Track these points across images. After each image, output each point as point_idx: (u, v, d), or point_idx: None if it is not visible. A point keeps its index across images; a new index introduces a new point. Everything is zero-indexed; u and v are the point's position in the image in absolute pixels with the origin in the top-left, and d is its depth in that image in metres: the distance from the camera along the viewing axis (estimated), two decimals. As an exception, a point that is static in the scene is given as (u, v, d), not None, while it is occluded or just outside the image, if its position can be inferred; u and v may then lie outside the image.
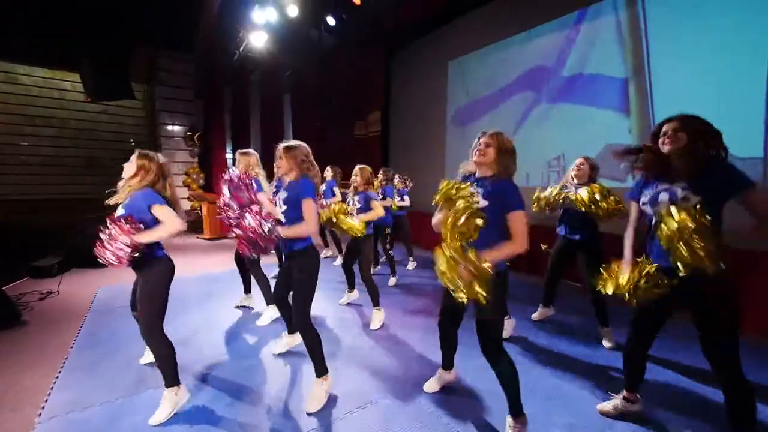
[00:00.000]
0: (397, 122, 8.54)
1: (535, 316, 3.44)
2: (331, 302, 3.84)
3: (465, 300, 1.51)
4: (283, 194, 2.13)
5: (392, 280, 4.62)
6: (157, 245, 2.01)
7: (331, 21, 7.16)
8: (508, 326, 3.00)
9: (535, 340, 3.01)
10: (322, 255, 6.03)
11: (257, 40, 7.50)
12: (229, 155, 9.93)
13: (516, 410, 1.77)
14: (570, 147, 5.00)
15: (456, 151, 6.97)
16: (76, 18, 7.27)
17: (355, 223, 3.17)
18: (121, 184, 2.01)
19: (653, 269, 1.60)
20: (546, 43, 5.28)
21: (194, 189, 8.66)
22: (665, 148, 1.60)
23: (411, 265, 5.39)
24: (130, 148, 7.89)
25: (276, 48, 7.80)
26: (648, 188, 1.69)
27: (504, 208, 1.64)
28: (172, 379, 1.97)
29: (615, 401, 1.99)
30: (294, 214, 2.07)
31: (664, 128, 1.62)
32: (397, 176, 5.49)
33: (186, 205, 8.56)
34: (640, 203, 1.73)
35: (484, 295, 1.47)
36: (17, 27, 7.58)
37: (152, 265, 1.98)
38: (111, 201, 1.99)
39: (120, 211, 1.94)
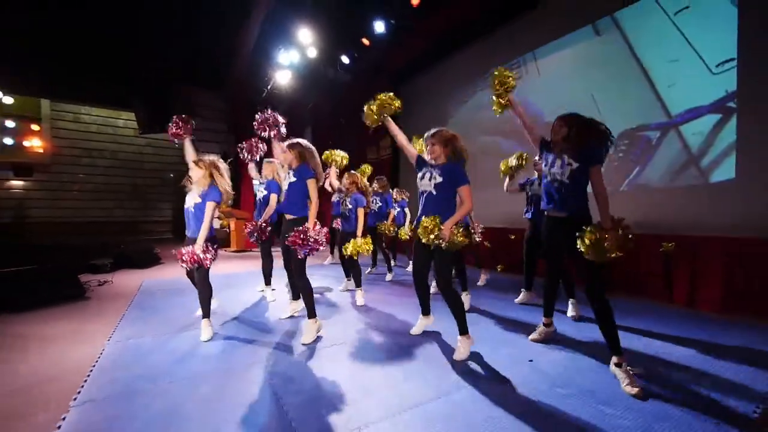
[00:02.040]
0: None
1: (517, 300, 3.85)
2: (335, 289, 4.42)
3: (431, 244, 2.20)
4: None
5: (388, 276, 5.14)
6: None
7: (345, 59, 8.26)
8: (466, 300, 3.48)
9: (507, 315, 3.43)
10: (327, 262, 6.65)
11: (282, 78, 8.70)
12: (255, 181, 10.98)
13: (463, 330, 2.33)
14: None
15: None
16: (129, 64, 8.71)
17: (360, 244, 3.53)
18: (196, 181, 2.77)
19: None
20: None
21: (223, 208, 9.62)
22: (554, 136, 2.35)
23: (410, 267, 5.88)
24: (168, 178, 9.19)
25: (298, 84, 8.95)
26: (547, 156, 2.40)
27: (455, 184, 2.31)
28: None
29: (539, 328, 2.53)
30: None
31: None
32: (395, 189, 6.13)
33: (216, 223, 9.51)
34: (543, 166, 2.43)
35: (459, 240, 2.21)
36: (82, 73, 9.11)
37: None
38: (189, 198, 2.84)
39: (197, 200, 2.69)
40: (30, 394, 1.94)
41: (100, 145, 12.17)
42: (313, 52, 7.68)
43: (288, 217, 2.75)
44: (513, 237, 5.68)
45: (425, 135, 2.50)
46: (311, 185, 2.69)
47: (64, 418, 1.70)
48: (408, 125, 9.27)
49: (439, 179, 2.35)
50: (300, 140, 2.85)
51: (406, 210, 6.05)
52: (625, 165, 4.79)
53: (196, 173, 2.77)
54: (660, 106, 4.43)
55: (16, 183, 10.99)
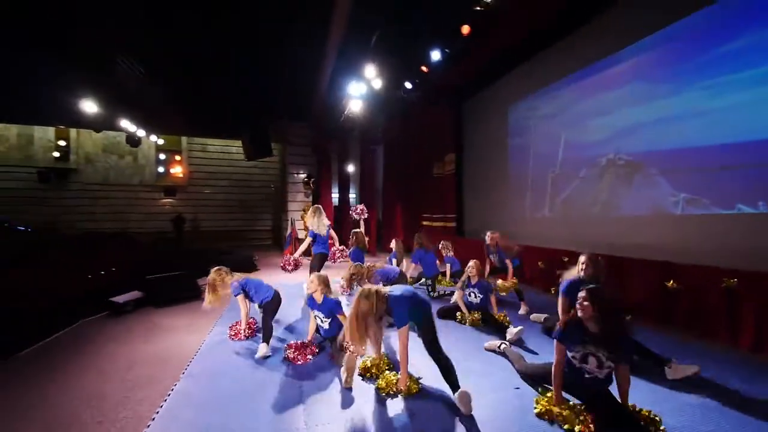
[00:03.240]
0: (467, 162, 9.58)
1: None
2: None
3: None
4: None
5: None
6: None
7: (408, 85, 8.90)
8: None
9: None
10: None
11: (355, 106, 9.77)
12: (335, 194, 12.36)
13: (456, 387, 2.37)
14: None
15: (517, 185, 7.58)
16: (238, 104, 10.78)
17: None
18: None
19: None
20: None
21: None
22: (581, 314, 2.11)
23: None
24: (271, 191, 11.17)
25: (369, 110, 9.91)
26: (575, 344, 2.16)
27: None
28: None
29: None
30: None
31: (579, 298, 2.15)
32: (441, 242, 6.37)
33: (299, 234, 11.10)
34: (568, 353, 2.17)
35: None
36: (206, 113, 11.55)
37: None
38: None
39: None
40: (158, 366, 3.03)
41: (220, 169, 15.12)
42: (378, 83, 8.50)
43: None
44: (566, 260, 5.54)
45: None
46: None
47: (175, 385, 2.69)
48: (470, 141, 9.49)
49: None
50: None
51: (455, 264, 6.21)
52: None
53: None
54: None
55: (167, 200, 14.42)
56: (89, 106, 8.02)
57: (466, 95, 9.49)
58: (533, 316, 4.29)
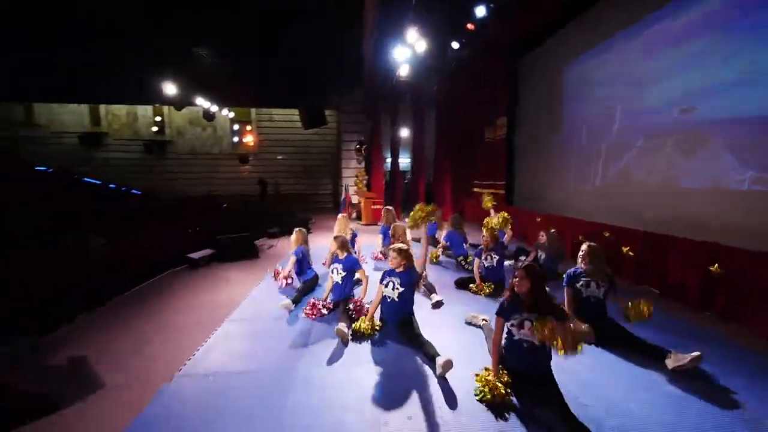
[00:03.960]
0: (519, 126, 8.99)
1: None
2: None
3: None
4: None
5: None
6: None
7: (455, 45, 8.46)
8: None
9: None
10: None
11: (404, 71, 9.63)
12: (389, 159, 12.65)
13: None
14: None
15: (568, 153, 7.03)
16: (296, 76, 11.36)
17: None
18: None
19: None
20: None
21: (360, 188, 11.78)
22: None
23: None
24: (330, 160, 12.12)
25: (419, 74, 9.71)
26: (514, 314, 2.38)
27: (412, 284, 3.09)
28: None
29: None
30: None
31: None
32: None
33: (354, 199, 11.78)
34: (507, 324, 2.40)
35: None
36: (270, 86, 12.41)
37: None
38: None
39: None
40: (215, 312, 3.86)
41: (285, 137, 16.30)
42: (422, 46, 8.24)
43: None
44: (608, 234, 5.20)
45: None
46: None
47: (217, 328, 3.46)
48: (523, 104, 8.81)
49: (401, 289, 3.16)
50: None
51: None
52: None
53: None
54: None
55: (243, 167, 16.18)
56: (170, 88, 9.24)
57: (518, 54, 8.73)
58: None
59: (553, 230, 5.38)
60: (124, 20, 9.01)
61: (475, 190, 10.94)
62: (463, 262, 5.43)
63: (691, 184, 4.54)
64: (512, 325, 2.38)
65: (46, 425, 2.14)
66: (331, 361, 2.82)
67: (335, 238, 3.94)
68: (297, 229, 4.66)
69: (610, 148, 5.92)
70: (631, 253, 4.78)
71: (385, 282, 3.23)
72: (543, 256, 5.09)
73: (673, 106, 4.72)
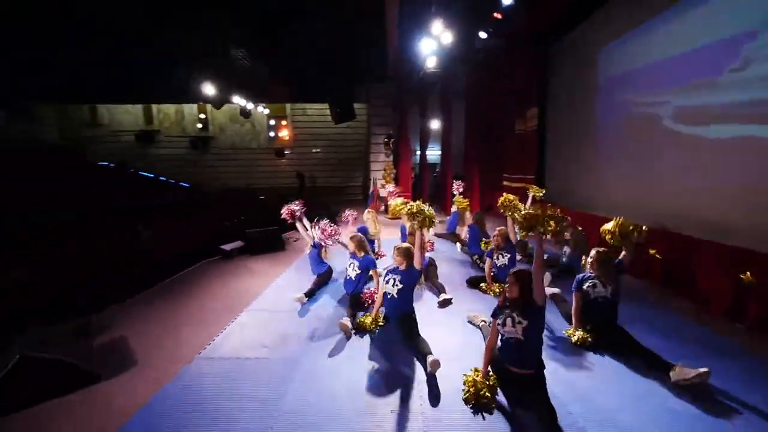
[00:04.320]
0: (551, 117, 8.60)
1: None
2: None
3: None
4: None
5: None
6: None
7: (482, 35, 8.21)
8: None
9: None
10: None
11: (430, 63, 9.53)
12: (419, 152, 12.65)
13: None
14: None
15: (604, 144, 6.66)
16: (326, 73, 11.62)
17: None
18: None
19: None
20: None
21: (387, 181, 11.92)
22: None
23: None
24: (362, 152, 12.36)
25: (447, 66, 9.56)
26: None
27: (413, 282, 3.22)
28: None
29: None
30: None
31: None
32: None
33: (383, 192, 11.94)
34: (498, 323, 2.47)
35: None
36: (303, 84, 12.80)
37: None
38: None
39: None
40: (239, 301, 4.23)
41: (319, 131, 16.74)
42: (447, 38, 8.10)
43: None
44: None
45: None
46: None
47: (237, 316, 3.81)
48: (555, 94, 8.39)
49: (400, 285, 3.26)
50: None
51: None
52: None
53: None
54: None
55: (280, 161, 16.90)
56: (209, 88, 9.88)
57: (548, 42, 8.35)
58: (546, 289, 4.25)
59: (579, 228, 5.21)
60: (168, 27, 9.75)
61: (505, 183, 10.66)
62: (478, 261, 5.41)
63: (734, 184, 4.16)
64: (499, 324, 2.44)
65: (90, 393, 2.56)
66: (332, 353, 3.04)
67: (351, 237, 4.13)
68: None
69: (644, 141, 5.53)
70: (658, 256, 4.52)
71: (386, 279, 3.37)
72: (566, 253, 4.97)
73: (722, 93, 4.30)
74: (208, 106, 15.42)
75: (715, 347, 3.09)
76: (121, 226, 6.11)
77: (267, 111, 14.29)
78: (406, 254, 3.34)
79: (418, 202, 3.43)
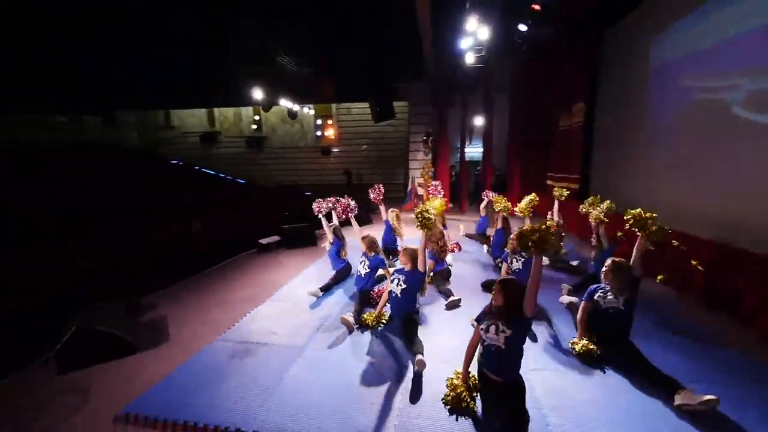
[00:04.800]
0: (600, 112, 7.97)
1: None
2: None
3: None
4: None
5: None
6: None
7: (522, 27, 7.85)
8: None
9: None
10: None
11: (469, 59, 9.33)
12: (467, 150, 12.44)
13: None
14: None
15: (658, 136, 6.06)
16: (368, 72, 11.89)
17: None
18: None
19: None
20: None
21: (426, 180, 11.91)
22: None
23: None
24: (403, 150, 12.45)
25: (485, 60, 9.30)
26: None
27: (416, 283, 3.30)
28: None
29: None
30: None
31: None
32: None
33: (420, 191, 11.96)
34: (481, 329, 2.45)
35: None
36: (347, 83, 13.23)
37: None
38: None
39: None
40: (265, 291, 4.63)
41: (362, 129, 17.16)
42: (484, 33, 7.88)
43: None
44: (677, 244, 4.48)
45: None
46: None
47: (264, 302, 4.19)
48: (603, 88, 7.75)
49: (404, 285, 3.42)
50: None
51: None
52: None
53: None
54: None
55: (325, 159, 17.65)
56: (258, 93, 10.67)
57: (597, 32, 7.74)
58: (562, 298, 4.05)
59: (620, 234, 4.87)
60: (227, 38, 10.71)
61: (549, 182, 10.11)
62: (499, 264, 5.29)
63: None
64: (482, 329, 2.45)
65: (125, 362, 3.06)
66: (332, 345, 3.26)
67: (363, 238, 4.31)
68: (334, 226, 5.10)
69: (704, 135, 4.93)
70: (700, 268, 4.07)
71: (392, 278, 3.50)
72: (593, 257, 4.70)
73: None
74: (261, 109, 16.59)
75: (739, 370, 2.78)
76: (179, 219, 6.95)
77: (312, 111, 14.99)
78: (412, 256, 3.43)
79: (423, 206, 3.46)
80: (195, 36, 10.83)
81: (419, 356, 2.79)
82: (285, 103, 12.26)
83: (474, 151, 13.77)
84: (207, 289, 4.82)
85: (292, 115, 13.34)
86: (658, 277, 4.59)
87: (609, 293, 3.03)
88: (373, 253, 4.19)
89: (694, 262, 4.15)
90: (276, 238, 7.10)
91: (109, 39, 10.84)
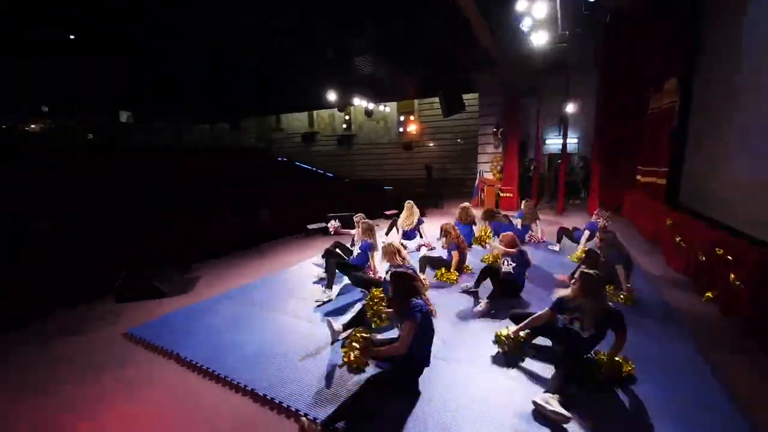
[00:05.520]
0: (697, 90, 6.34)
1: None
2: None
3: None
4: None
5: None
6: None
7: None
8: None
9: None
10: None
11: (539, 39, 8.51)
12: (552, 141, 11.39)
13: None
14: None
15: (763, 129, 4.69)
16: (437, 69, 11.87)
17: None
18: None
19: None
20: None
21: (495, 174, 11.31)
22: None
23: None
24: (474, 144, 12.34)
25: (558, 38, 8.35)
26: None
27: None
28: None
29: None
30: None
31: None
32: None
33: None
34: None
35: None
36: (425, 81, 13.43)
37: None
38: None
39: None
40: (287, 263, 5.48)
41: (443, 123, 17.04)
42: (542, 10, 7.14)
43: None
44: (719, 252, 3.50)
45: None
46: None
47: (278, 271, 5.01)
48: (705, 54, 6.11)
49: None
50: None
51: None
52: None
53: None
54: None
55: (407, 154, 18.22)
56: (331, 95, 11.88)
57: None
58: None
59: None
60: (313, 49, 12.21)
61: (638, 178, 8.52)
62: None
63: None
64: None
65: (155, 302, 4.20)
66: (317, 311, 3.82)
67: (360, 222, 4.76)
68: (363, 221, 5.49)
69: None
70: (738, 283, 3.16)
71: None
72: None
73: None
74: (352, 108, 18.11)
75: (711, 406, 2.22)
76: (264, 205, 8.45)
77: (388, 109, 15.69)
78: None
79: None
80: (294, 53, 12.63)
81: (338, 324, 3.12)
82: (360, 102, 13.17)
83: (554, 143, 12.31)
84: (250, 260, 5.95)
85: (368, 113, 14.25)
86: (706, 295, 3.73)
87: (575, 322, 2.55)
88: (365, 238, 4.56)
89: (732, 275, 3.29)
90: (322, 224, 7.99)
91: (235, 61, 13.56)
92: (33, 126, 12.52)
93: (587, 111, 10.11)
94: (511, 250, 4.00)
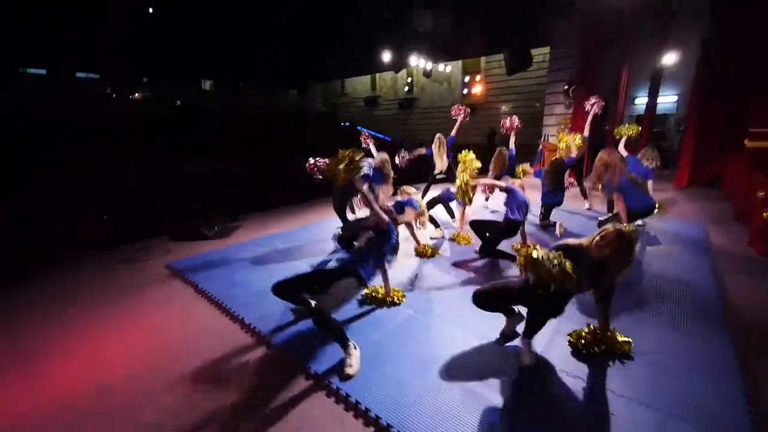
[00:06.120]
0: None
1: None
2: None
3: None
4: None
5: None
6: None
7: None
8: None
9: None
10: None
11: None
12: (643, 100, 9.79)
13: None
14: None
15: None
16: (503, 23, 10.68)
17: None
18: None
19: None
20: None
21: (561, 138, 10.08)
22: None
23: None
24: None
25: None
26: None
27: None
28: None
29: None
30: None
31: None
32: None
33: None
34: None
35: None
36: (492, 35, 12.27)
37: None
38: None
39: None
40: (313, 220, 5.82)
41: (512, 83, 15.56)
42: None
43: None
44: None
45: None
46: None
47: (305, 224, 5.36)
48: None
49: None
50: None
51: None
52: None
53: None
54: None
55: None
56: (386, 56, 11.54)
57: None
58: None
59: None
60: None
61: (746, 143, 6.90)
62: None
63: None
64: None
65: (198, 242, 4.83)
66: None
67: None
68: None
69: None
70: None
71: None
72: None
73: None
74: (414, 70, 17.47)
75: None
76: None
77: (449, 68, 14.74)
78: None
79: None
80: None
81: None
82: (418, 61, 12.57)
83: (641, 103, 10.42)
84: (283, 213, 6.44)
85: (427, 74, 13.61)
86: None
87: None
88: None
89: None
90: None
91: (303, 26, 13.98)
92: (137, 95, 14.64)
93: (690, 63, 8.28)
94: None
